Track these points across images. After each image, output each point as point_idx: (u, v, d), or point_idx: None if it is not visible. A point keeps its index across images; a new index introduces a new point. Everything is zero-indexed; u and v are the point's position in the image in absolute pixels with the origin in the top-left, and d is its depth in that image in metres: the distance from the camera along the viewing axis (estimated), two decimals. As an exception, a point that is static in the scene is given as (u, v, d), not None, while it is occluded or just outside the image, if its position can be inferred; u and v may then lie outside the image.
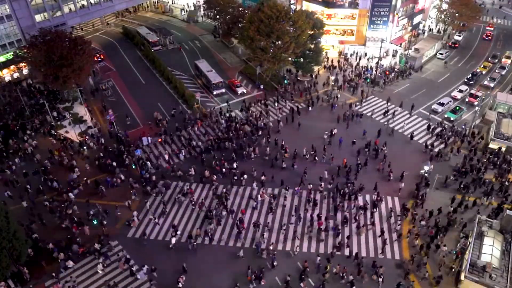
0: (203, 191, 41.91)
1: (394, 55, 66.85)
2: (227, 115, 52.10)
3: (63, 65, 48.29)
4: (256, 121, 50.53)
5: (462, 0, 67.03)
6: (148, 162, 44.34)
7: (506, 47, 69.98)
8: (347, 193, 40.30)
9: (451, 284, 32.94)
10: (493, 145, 45.95)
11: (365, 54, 66.45)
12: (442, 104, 53.81)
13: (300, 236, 36.76)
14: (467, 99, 55.92)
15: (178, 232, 36.91)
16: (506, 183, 41.39)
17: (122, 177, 42.53)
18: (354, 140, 47.08)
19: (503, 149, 45.30)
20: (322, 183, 41.23)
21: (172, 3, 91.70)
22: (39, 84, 57.73)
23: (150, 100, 56.49)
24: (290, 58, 56.37)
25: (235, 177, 42.67)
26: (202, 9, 77.43)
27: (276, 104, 54.83)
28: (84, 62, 50.31)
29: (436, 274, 32.97)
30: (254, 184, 41.52)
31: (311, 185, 40.89)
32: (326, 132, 48.35)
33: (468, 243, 34.08)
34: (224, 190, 41.21)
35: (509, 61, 64.94)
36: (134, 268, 33.64)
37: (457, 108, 53.15)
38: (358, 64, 64.19)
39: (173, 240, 35.91)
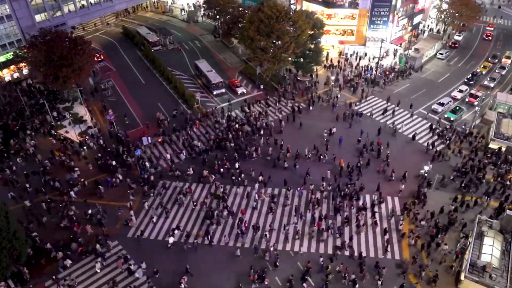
0: (203, 191, 41.86)
1: (395, 54, 66.87)
2: (227, 115, 52.12)
3: (63, 65, 48.28)
4: (255, 121, 50.52)
5: (462, 0, 67.03)
6: (147, 163, 44.29)
7: (506, 47, 69.97)
8: (348, 194, 40.23)
9: (451, 284, 32.94)
10: (493, 145, 45.96)
11: (365, 54, 66.47)
12: (442, 104, 53.81)
13: (300, 236, 36.67)
14: (467, 99, 55.92)
15: (176, 231, 36.94)
16: (508, 182, 41.38)
17: (120, 177, 42.48)
18: (360, 139, 47.15)
19: (503, 149, 45.29)
20: (324, 183, 41.19)
21: (173, 3, 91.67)
22: (39, 84, 57.72)
23: (150, 100, 56.50)
24: (290, 58, 56.36)
25: (234, 177, 42.60)
26: (202, 9, 77.26)
27: (277, 104, 54.87)
28: (84, 62, 50.31)
29: (436, 273, 33.00)
30: (257, 185, 41.49)
31: (313, 186, 40.89)
32: (326, 131, 48.44)
33: (468, 243, 34.08)
34: (222, 190, 41.16)
35: (509, 61, 64.94)
36: (132, 267, 33.64)
37: (457, 108, 53.15)
38: (358, 64, 64.22)
39: (171, 240, 35.92)
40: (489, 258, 31.39)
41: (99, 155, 45.40)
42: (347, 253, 35.36)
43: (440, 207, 38.66)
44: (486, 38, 73.57)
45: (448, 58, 66.96)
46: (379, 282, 32.08)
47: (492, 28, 75.85)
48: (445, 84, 60.14)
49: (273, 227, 37.61)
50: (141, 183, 41.99)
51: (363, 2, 62.44)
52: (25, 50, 51.30)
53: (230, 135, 48.12)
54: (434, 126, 49.64)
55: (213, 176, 42.52)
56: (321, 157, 44.85)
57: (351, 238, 36.15)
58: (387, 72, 60.88)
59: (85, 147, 47.13)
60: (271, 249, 34.93)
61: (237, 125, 49.84)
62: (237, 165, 43.60)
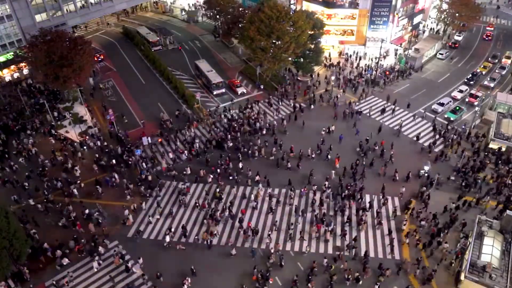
0: (202, 191, 41.88)
1: (395, 54, 66.91)
2: (230, 114, 52.16)
3: (63, 65, 48.27)
4: (254, 122, 50.56)
5: (462, 0, 67.05)
6: (144, 164, 44.22)
7: (506, 47, 69.99)
8: (350, 194, 40.15)
9: (451, 284, 32.96)
10: (493, 145, 45.97)
11: (365, 54, 66.50)
12: (442, 104, 53.82)
13: (303, 236, 36.56)
14: (467, 99, 55.94)
15: (172, 230, 37.06)
16: (509, 181, 41.45)
17: (117, 176, 42.43)
18: (368, 138, 47.14)
19: (503, 149, 45.32)
20: (326, 183, 41.16)
21: (172, 2, 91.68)
22: (39, 84, 57.71)
23: (150, 100, 56.56)
24: (290, 58, 56.39)
25: (231, 177, 42.58)
26: (203, 9, 77.24)
27: (279, 103, 55.02)
28: (84, 62, 50.29)
29: (437, 272, 33.00)
30: (260, 185, 41.44)
31: (316, 186, 40.89)
32: (324, 129, 48.60)
33: (468, 243, 34.09)
34: (218, 189, 41.18)
35: (509, 61, 64.95)
36: (129, 264, 33.68)
37: (457, 108, 53.16)
38: (358, 64, 64.22)
39: (167, 238, 35.96)
40: (489, 258, 31.39)
41: (96, 155, 45.42)
42: (347, 253, 35.31)
43: (444, 206, 38.72)
44: (486, 38, 73.59)
45: (450, 55, 67.40)
46: (377, 285, 31.98)
47: (492, 28, 75.88)
48: (445, 84, 60.16)
49: (277, 226, 37.50)
50: (137, 183, 41.97)
51: (363, 2, 62.46)
52: (25, 50, 51.30)
53: (229, 136, 48.12)
54: (437, 127, 49.53)
55: (211, 176, 42.52)
56: (328, 156, 44.83)
57: (355, 239, 36.05)
58: (387, 72, 60.90)
59: (85, 147, 47.15)
60: (272, 250, 34.79)
61: (235, 125, 49.80)
62: (240, 165, 43.56)
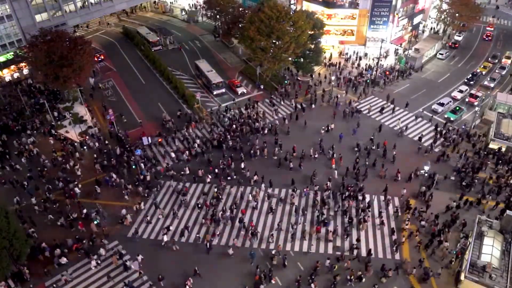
0: (202, 191, 41.86)
1: (396, 54, 66.92)
2: (228, 114, 52.18)
3: (64, 65, 48.26)
4: (254, 122, 50.55)
5: (462, 0, 67.07)
6: (142, 164, 44.14)
7: (506, 47, 70.01)
8: (350, 195, 40.09)
9: (451, 284, 32.96)
10: (493, 145, 45.97)
11: (365, 54, 66.51)
12: (442, 104, 53.83)
13: (302, 236, 36.56)
14: (467, 99, 55.94)
15: (170, 228, 37.13)
16: (510, 181, 41.51)
17: (115, 176, 42.44)
18: (372, 138, 47.14)
19: (503, 149, 45.31)
20: (328, 183, 41.14)
21: (172, 2, 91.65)
22: (39, 84, 57.71)
23: (150, 100, 56.57)
24: (290, 58, 56.40)
25: (230, 177, 42.55)
26: (203, 10, 77.19)
27: (282, 102, 55.12)
28: (84, 62, 50.29)
29: (437, 272, 33.05)
30: (263, 185, 41.40)
31: (317, 186, 40.93)
32: (323, 127, 48.66)
33: (468, 243, 34.09)
34: (216, 189, 41.19)
35: (509, 61, 64.97)
36: (128, 263, 33.72)
37: (457, 108, 53.16)
38: (358, 64, 64.22)
39: (165, 238, 35.98)
40: (489, 258, 31.39)
41: (95, 155, 45.50)
42: (347, 253, 35.34)
43: (446, 206, 38.82)
44: (486, 38, 73.60)
45: (452, 54, 67.86)
46: (375, 287, 32.00)
47: (492, 28, 75.89)
48: (445, 84, 60.17)
49: (280, 227, 37.49)
50: (135, 183, 41.95)
51: (363, 2, 62.47)
52: (26, 50, 51.30)
53: (228, 136, 48.09)
54: (439, 127, 49.57)
55: (210, 176, 42.49)
56: (334, 155, 44.89)
57: (358, 239, 36.01)
58: (387, 72, 60.91)
59: (85, 147, 47.16)
60: (273, 252, 34.70)
61: (234, 126, 49.83)
62: (242, 165, 43.53)
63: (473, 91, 56.93)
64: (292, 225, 37.20)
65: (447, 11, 69.42)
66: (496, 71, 62.74)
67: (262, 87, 58.66)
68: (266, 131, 49.27)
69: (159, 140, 48.29)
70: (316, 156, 45.15)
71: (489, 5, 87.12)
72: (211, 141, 47.54)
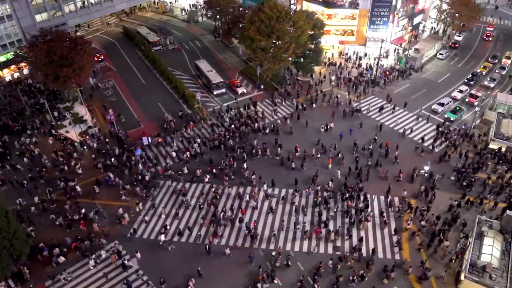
0: (202, 191, 41.90)
1: (398, 53, 66.92)
2: (228, 115, 52.20)
3: (64, 65, 48.26)
4: (253, 122, 50.53)
5: (462, 0, 67.09)
6: (140, 165, 44.10)
7: (506, 47, 70.01)
8: (351, 195, 40.07)
9: (451, 284, 32.97)
10: (493, 145, 45.98)
11: (365, 54, 66.51)
12: (442, 105, 53.84)
13: (306, 237, 36.49)
14: (467, 100, 55.95)
15: (167, 228, 37.17)
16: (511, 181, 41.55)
17: (112, 176, 42.39)
18: (376, 137, 47.19)
19: (503, 149, 45.32)
20: (330, 183, 41.12)
21: (172, 2, 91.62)
22: (39, 84, 57.71)
23: (150, 100, 56.57)
24: (290, 58, 56.41)
25: (228, 178, 42.55)
26: (204, 10, 77.19)
27: (283, 102, 55.20)
28: (84, 62, 50.29)
29: (440, 275, 33.04)
30: (265, 185, 41.39)
31: (319, 186, 40.93)
32: (322, 126, 48.64)
33: (468, 243, 34.10)
34: (213, 189, 41.16)
35: (509, 61, 64.98)
36: (126, 262, 33.74)
37: (457, 108, 53.17)
38: (359, 64, 64.22)
39: (162, 237, 36.01)
40: (489, 258, 31.39)
41: (93, 156, 45.54)
42: (348, 254, 35.32)
43: (449, 205, 38.86)
44: (486, 39, 73.61)
45: (454, 53, 68.15)
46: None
47: (492, 29, 75.89)
48: (445, 84, 60.18)
49: (283, 226, 37.44)
50: (133, 183, 41.94)
51: (364, 2, 62.49)
52: (26, 50, 51.31)
53: (228, 136, 48.07)
54: (440, 128, 49.59)
55: (208, 176, 42.50)
56: (339, 155, 44.97)
57: (360, 240, 35.94)
58: (387, 72, 60.92)
59: (85, 147, 47.17)
60: (273, 253, 34.67)
61: (234, 126, 49.85)
62: (245, 165, 43.48)
63: (473, 91, 56.95)
64: (296, 224, 37.17)
65: (447, 11, 69.46)
66: (496, 71, 62.75)
67: (262, 87, 58.67)
68: (267, 131, 49.26)
69: (159, 140, 48.28)
70: (318, 156, 45.16)
71: (489, 5, 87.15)
72: (213, 141, 47.53)
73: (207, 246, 35.02)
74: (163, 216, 38.76)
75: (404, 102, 54.12)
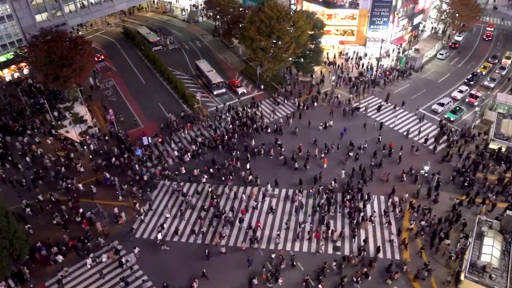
0: (203, 191, 41.91)
1: (398, 53, 66.89)
2: (229, 115, 52.18)
3: (64, 65, 48.28)
4: (252, 122, 50.49)
5: (462, 0, 67.11)
6: (136, 166, 44.00)
7: (506, 48, 70.01)
8: (352, 196, 40.01)
9: (451, 284, 32.95)
10: (493, 146, 45.98)
11: (366, 55, 66.52)
12: (442, 105, 53.85)
13: (308, 237, 36.44)
14: (467, 100, 55.96)
15: (164, 227, 37.24)
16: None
17: (108, 175, 42.34)
18: (379, 137, 47.24)
19: (503, 149, 45.31)
20: (333, 182, 41.08)
21: (171, 2, 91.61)
22: (39, 84, 57.72)
23: (150, 100, 56.58)
24: (290, 58, 56.43)
25: (223, 177, 42.55)
26: (204, 10, 77.19)
27: (286, 101, 55.34)
28: (84, 62, 50.31)
29: (447, 280, 32.98)
30: (269, 185, 41.37)
31: (322, 187, 40.92)
32: (321, 124, 48.73)
33: (468, 243, 34.11)
34: (210, 189, 41.16)
35: (509, 61, 64.96)
36: (123, 259, 33.84)
37: (457, 108, 53.18)
38: (362, 64, 64.22)
39: (159, 236, 36.00)
40: (489, 258, 31.39)
41: (90, 156, 45.56)
42: (351, 254, 35.34)
43: (453, 205, 38.90)
44: (486, 39, 73.62)
45: (455, 52, 68.25)
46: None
47: (492, 29, 75.90)
48: (445, 85, 60.18)
49: (287, 226, 37.42)
50: (130, 183, 41.90)
51: (364, 3, 62.50)
52: (26, 50, 51.32)
53: (227, 136, 48.04)
54: (443, 128, 49.51)
55: (205, 176, 42.50)
56: (349, 153, 45.10)
57: (365, 241, 35.94)
58: (387, 72, 60.92)
59: (85, 147, 47.18)
60: (273, 255, 34.59)
61: (232, 126, 49.83)
62: (248, 165, 43.45)
63: (473, 91, 56.95)
64: (299, 224, 37.14)
65: (447, 11, 69.48)
66: (496, 71, 62.74)
67: (262, 87, 58.68)
68: (269, 130, 49.22)
69: (159, 140, 48.29)
70: (322, 156, 45.12)
71: (488, 6, 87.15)
72: (215, 140, 47.51)
73: (206, 251, 34.80)
74: (167, 216, 38.69)
75: (402, 101, 54.11)
